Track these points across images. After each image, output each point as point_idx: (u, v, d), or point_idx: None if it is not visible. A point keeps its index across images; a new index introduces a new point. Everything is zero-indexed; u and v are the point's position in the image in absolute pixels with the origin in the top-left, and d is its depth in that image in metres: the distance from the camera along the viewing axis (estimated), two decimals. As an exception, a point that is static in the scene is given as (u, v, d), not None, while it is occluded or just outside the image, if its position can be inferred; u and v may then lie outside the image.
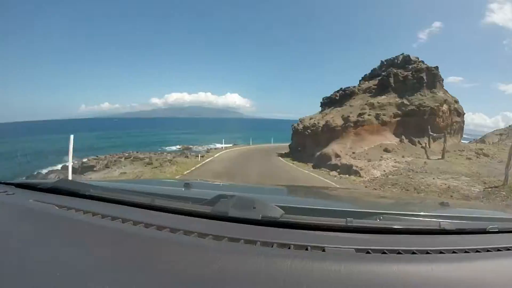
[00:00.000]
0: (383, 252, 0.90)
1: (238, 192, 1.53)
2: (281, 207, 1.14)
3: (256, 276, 0.73)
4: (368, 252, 0.89)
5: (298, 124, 32.01)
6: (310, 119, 31.43)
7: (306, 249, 0.89)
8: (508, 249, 1.00)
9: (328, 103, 34.77)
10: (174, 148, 47.90)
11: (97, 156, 30.38)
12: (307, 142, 29.05)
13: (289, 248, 0.90)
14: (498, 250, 0.99)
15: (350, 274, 0.75)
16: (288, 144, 33.80)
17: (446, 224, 1.14)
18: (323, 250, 0.89)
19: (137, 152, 33.18)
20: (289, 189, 3.08)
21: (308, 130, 29.55)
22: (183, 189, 1.86)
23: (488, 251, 0.97)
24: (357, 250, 0.90)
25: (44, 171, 24.41)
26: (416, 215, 1.42)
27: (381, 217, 1.21)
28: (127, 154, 31.12)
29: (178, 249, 0.85)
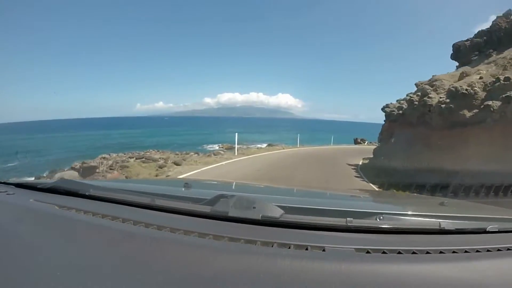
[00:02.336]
0: (383, 252, 0.91)
1: (238, 191, 1.58)
2: (281, 207, 1.14)
3: (256, 275, 0.73)
4: (368, 252, 0.90)
5: (409, 100, 15.93)
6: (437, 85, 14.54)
7: (306, 249, 0.90)
8: (509, 249, 1.00)
9: (468, 51, 18.01)
10: (215, 147, 45.43)
11: (109, 155, 25.31)
12: (433, 140, 13.26)
13: (289, 248, 0.90)
14: (498, 250, 0.99)
15: (350, 274, 0.75)
16: (369, 146, 30.40)
17: (446, 224, 1.14)
18: (323, 250, 0.89)
19: (155, 151, 26.98)
20: (289, 189, 3.10)
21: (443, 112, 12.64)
22: (183, 189, 1.85)
23: (488, 251, 0.98)
24: (357, 250, 0.91)
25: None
26: (416, 215, 1.42)
27: (381, 217, 1.19)
28: (137, 154, 25.49)
29: (178, 249, 0.86)
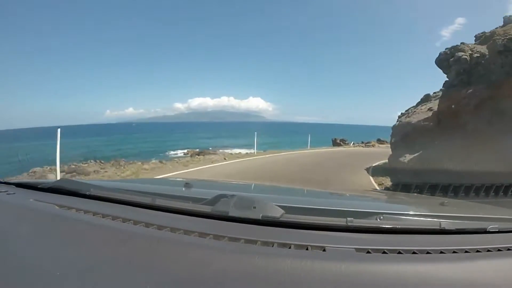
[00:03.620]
0: (384, 252, 0.91)
1: (238, 191, 1.52)
2: (281, 207, 1.14)
3: (256, 275, 0.74)
4: (368, 252, 0.90)
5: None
6: None
7: (307, 249, 0.90)
8: (509, 249, 1.00)
9: None
10: (180, 153, 42.18)
11: (41, 168, 20.27)
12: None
13: (290, 247, 0.91)
14: (499, 250, 1.00)
15: (350, 273, 0.76)
16: (358, 147, 30.92)
17: (446, 223, 1.14)
18: (324, 250, 0.90)
19: (94, 163, 20.94)
20: (289, 188, 3.12)
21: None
22: (183, 188, 1.87)
23: (488, 251, 0.98)
24: (358, 249, 0.91)
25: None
26: (417, 215, 1.45)
27: (382, 217, 1.20)
28: (67, 167, 18.32)
29: (178, 249, 0.86)
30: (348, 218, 1.08)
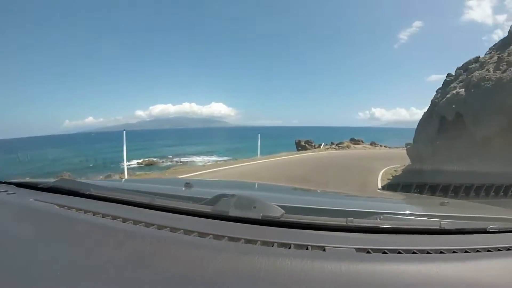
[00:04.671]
0: (384, 251, 0.91)
1: (238, 191, 1.52)
2: (281, 207, 1.14)
3: (257, 275, 0.74)
4: (368, 252, 0.91)
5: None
6: None
7: (307, 249, 0.91)
8: (509, 249, 1.01)
9: None
10: (134, 163, 39.25)
11: None
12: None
13: (290, 247, 0.91)
14: (499, 250, 1.00)
15: (350, 273, 0.76)
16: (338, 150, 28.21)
17: (446, 223, 1.15)
18: (324, 250, 0.90)
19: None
20: (289, 188, 3.09)
21: None
22: (183, 188, 1.86)
23: (488, 250, 0.98)
24: (358, 249, 0.91)
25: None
26: (417, 214, 1.45)
27: (382, 217, 1.20)
28: None
29: (178, 249, 0.86)
30: (348, 218, 1.08)
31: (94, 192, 1.42)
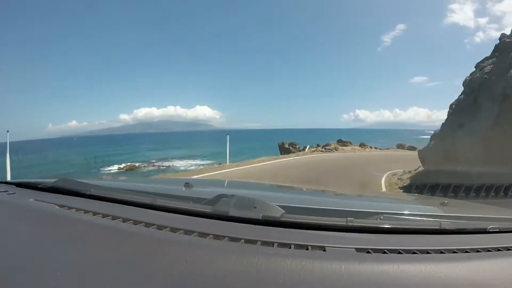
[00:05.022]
0: (384, 252, 0.92)
1: (238, 191, 1.59)
2: (281, 207, 1.14)
3: (257, 275, 0.75)
4: (368, 252, 0.91)
5: None
6: None
7: (307, 249, 0.91)
8: (509, 249, 1.01)
9: None
10: (115, 168, 38.73)
11: None
12: None
13: (290, 247, 0.91)
14: (499, 250, 1.00)
15: (350, 273, 0.77)
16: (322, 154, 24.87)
17: (446, 223, 1.15)
18: (324, 250, 0.90)
19: None
20: (289, 188, 3.09)
21: None
22: (183, 188, 1.85)
23: (488, 251, 0.99)
24: (358, 249, 0.92)
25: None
26: (417, 214, 1.45)
27: (382, 217, 1.20)
28: None
29: (178, 249, 0.87)
30: (349, 218, 1.08)
31: (94, 192, 1.42)
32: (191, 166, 41.95)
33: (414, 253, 0.91)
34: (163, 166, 39.66)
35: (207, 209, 1.18)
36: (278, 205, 1.15)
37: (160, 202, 1.27)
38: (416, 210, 1.68)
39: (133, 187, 1.87)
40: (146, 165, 42.29)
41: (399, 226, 1.13)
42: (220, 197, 1.25)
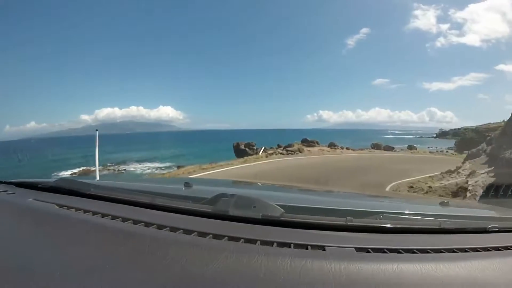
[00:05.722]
0: (383, 251, 0.92)
1: (238, 190, 1.54)
2: (281, 206, 1.15)
3: (256, 275, 0.75)
4: (368, 251, 0.91)
5: None
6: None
7: (306, 248, 0.91)
8: (508, 249, 1.02)
9: None
10: (67, 174, 37.21)
11: None
12: None
13: (289, 247, 0.91)
14: (498, 249, 1.01)
15: (350, 273, 0.77)
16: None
17: (446, 223, 1.15)
18: (323, 249, 0.90)
19: None
20: (289, 188, 3.10)
21: None
22: (183, 188, 1.86)
23: (488, 250, 0.99)
24: (357, 249, 0.92)
25: None
26: (417, 214, 1.43)
27: (381, 216, 1.20)
28: None
29: (178, 248, 0.87)
30: (348, 218, 1.08)
31: (94, 191, 1.43)
32: (148, 169, 41.40)
33: (414, 252, 0.92)
34: (118, 170, 38.87)
35: (206, 208, 1.19)
36: (278, 205, 1.16)
37: (159, 201, 1.28)
38: (416, 210, 1.67)
39: (132, 187, 1.86)
40: (101, 168, 41.45)
41: (399, 226, 1.14)
42: (219, 196, 1.26)
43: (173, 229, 1.00)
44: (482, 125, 70.20)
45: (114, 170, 39.48)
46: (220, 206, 1.17)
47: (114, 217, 1.11)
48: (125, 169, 41.07)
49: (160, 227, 1.02)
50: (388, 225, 1.12)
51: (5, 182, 1.76)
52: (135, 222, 1.06)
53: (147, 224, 1.04)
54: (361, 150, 32.82)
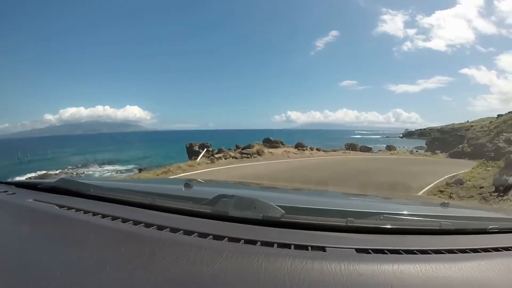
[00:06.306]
0: (384, 252, 0.92)
1: (238, 191, 1.57)
2: (281, 207, 1.15)
3: (257, 276, 0.75)
4: (368, 252, 0.91)
5: None
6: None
7: (307, 249, 0.91)
8: (508, 249, 1.02)
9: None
10: (24, 178, 36.13)
11: None
12: None
13: (290, 248, 0.91)
14: (499, 250, 1.01)
15: (350, 274, 0.77)
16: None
17: (446, 224, 1.16)
18: (324, 250, 0.90)
19: None
20: (289, 188, 3.09)
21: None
22: (183, 188, 1.85)
23: (488, 251, 0.99)
24: (358, 250, 0.92)
25: None
26: (417, 215, 1.44)
27: (382, 217, 1.20)
28: None
29: (178, 249, 0.87)
30: (348, 218, 1.08)
31: (94, 192, 1.42)
32: (108, 172, 40.52)
33: (414, 253, 0.92)
34: (77, 173, 37.67)
35: (207, 209, 1.19)
36: (278, 205, 1.15)
37: (160, 202, 1.28)
38: (416, 210, 1.69)
39: (133, 187, 1.86)
40: (58, 172, 39.84)
41: (399, 226, 1.14)
42: (220, 197, 1.25)
43: (174, 230, 0.99)
44: (446, 125, 73.17)
45: (73, 174, 38.32)
46: (220, 207, 1.17)
47: (114, 218, 1.10)
48: (83, 173, 39.99)
49: (160, 227, 1.02)
50: (389, 226, 1.12)
51: (5, 183, 1.74)
52: (136, 222, 1.06)
53: (148, 225, 1.04)
54: (334, 151, 28.20)
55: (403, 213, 1.42)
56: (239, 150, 21.75)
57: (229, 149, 24.14)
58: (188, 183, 1.92)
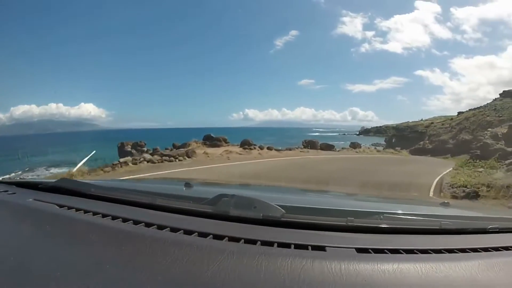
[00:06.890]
0: (384, 251, 0.92)
1: (239, 191, 1.59)
2: (282, 207, 1.15)
3: (257, 275, 0.74)
4: (369, 252, 0.91)
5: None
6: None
7: (307, 249, 0.91)
8: (508, 249, 1.02)
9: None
10: None
11: None
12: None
13: (290, 247, 0.91)
14: (498, 249, 1.01)
15: (350, 273, 0.77)
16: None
17: (446, 223, 1.16)
18: (324, 250, 0.90)
19: None
20: (289, 188, 3.11)
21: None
22: (184, 188, 1.86)
23: (488, 250, 0.99)
24: (358, 249, 0.92)
25: None
26: (417, 214, 1.44)
27: (382, 217, 1.20)
28: None
29: (178, 249, 0.86)
30: (349, 218, 1.08)
31: (94, 192, 1.44)
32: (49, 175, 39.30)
33: (414, 253, 0.92)
34: (21, 178, 36.53)
35: (207, 209, 1.19)
36: (278, 205, 1.15)
37: (160, 202, 1.28)
38: (416, 210, 1.68)
39: (133, 187, 1.87)
40: (2, 178, 38.58)
41: (399, 226, 1.14)
42: (220, 197, 1.25)
43: (174, 230, 1.00)
44: (401, 123, 75.53)
45: (16, 179, 36.65)
46: (220, 207, 1.18)
47: (114, 217, 1.11)
48: (27, 176, 38.89)
49: (160, 227, 1.02)
50: (389, 226, 1.12)
51: (5, 182, 1.73)
52: (136, 222, 1.07)
53: (148, 225, 1.04)
54: (290, 149, 23.99)
55: (404, 213, 1.43)
56: (160, 152, 18.25)
57: (165, 148, 22.14)
58: (188, 183, 1.93)
